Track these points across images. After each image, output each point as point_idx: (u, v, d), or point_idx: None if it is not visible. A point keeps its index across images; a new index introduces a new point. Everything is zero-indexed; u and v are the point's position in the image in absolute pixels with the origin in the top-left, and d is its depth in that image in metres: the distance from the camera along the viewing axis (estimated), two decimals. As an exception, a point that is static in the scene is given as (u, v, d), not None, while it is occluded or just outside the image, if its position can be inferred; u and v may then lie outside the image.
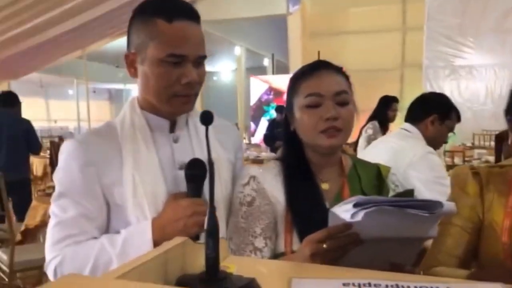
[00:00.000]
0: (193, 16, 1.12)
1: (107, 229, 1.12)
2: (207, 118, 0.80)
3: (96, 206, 1.10)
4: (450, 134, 2.39)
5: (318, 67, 1.20)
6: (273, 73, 11.65)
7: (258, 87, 10.86)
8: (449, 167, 4.79)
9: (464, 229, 1.20)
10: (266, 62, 13.11)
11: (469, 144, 7.71)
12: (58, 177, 1.12)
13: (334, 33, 9.51)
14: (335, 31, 9.53)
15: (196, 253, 0.75)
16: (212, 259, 0.67)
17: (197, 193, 1.10)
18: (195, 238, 1.05)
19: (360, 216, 0.85)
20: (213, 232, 0.67)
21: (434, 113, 2.31)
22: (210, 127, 0.79)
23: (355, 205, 0.87)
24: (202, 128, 1.18)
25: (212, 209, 0.69)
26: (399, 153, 2.26)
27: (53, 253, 1.07)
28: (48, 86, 18.04)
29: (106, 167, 1.10)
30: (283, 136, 1.29)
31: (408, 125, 2.38)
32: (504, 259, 1.10)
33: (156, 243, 1.03)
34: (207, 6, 9.97)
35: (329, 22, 9.50)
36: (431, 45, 8.71)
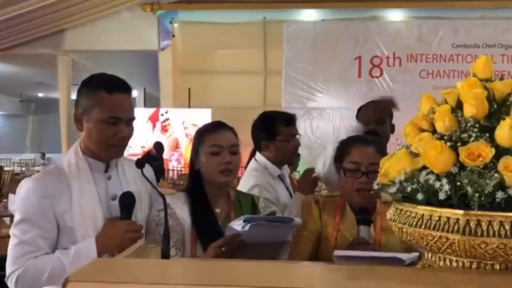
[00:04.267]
0: (127, 89, 1.58)
1: (56, 246, 1.48)
2: (140, 164, 1.28)
3: (50, 229, 1.46)
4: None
5: (219, 126, 1.74)
6: (144, 106, 11.90)
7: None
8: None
9: (310, 239, 1.80)
10: (135, 93, 13.34)
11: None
12: (18, 206, 1.46)
13: (203, 72, 10.12)
14: (204, 69, 10.14)
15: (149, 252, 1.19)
16: (166, 253, 1.13)
17: (128, 216, 1.53)
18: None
19: (247, 228, 1.38)
20: (167, 235, 1.14)
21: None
22: (133, 166, 1.25)
23: (244, 221, 1.40)
24: (127, 168, 1.63)
25: (166, 218, 1.15)
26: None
27: (16, 266, 1.40)
28: None
29: (58, 199, 1.48)
30: (188, 174, 1.78)
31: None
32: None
33: (99, 254, 1.43)
34: (77, 36, 9.99)
35: (198, 61, 10.10)
36: (288, 88, 9.79)
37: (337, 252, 1.39)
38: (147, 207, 1.69)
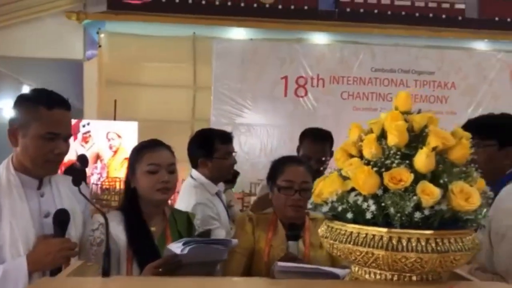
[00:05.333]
0: (66, 106, 1.57)
1: None
2: (77, 181, 1.29)
3: None
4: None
5: (156, 144, 1.76)
6: (66, 117, 11.39)
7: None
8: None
9: (243, 255, 1.87)
10: (57, 103, 12.79)
11: (247, 191, 8.96)
12: None
13: (130, 84, 9.91)
14: (131, 82, 9.94)
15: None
16: (107, 270, 1.14)
17: (62, 234, 1.51)
18: (57, 270, 1.45)
19: (186, 251, 1.43)
20: (108, 253, 1.15)
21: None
22: (68, 183, 1.26)
23: (183, 244, 1.45)
24: (61, 185, 1.62)
25: (107, 235, 1.17)
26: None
27: None
28: None
29: None
30: (124, 192, 1.78)
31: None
32: (265, 270, 1.80)
33: (30, 273, 1.40)
34: (-4, 42, 9.40)
35: (126, 72, 9.89)
36: (217, 104, 9.88)
37: (279, 264, 1.47)
38: (81, 225, 1.67)
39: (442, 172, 1.06)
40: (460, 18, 9.65)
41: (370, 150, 1.10)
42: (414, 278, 1.11)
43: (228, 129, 9.82)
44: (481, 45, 10.05)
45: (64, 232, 1.51)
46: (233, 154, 2.47)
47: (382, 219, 1.07)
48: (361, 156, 1.15)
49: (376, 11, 9.68)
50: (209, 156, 2.37)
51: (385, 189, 1.06)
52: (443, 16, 9.64)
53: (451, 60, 9.88)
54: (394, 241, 1.05)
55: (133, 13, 9.42)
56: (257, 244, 1.87)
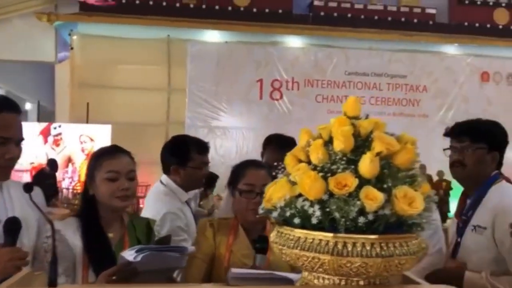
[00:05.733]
0: (17, 110, 1.53)
1: None
2: (28, 188, 1.26)
3: None
4: None
5: (116, 151, 1.73)
6: (38, 120, 11.17)
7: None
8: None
9: (203, 261, 1.85)
10: (29, 106, 12.50)
11: (222, 195, 8.93)
12: None
13: (103, 86, 9.76)
14: (104, 84, 9.80)
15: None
16: (53, 280, 1.11)
17: (13, 243, 1.47)
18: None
19: (139, 258, 1.41)
20: (54, 262, 1.12)
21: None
22: (21, 189, 1.25)
23: (137, 251, 1.42)
24: (13, 191, 1.58)
25: (54, 244, 1.14)
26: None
27: None
28: None
29: None
30: (82, 199, 1.75)
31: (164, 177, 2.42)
32: (226, 276, 1.78)
33: None
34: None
35: (98, 75, 9.75)
36: (192, 106, 9.84)
37: (233, 271, 1.46)
38: (34, 233, 1.63)
39: (387, 177, 1.07)
40: (431, 22, 9.86)
41: (317, 155, 1.11)
42: (361, 282, 1.12)
43: (203, 132, 9.77)
44: (451, 49, 10.28)
45: (14, 240, 1.46)
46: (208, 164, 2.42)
47: (329, 224, 1.07)
48: (309, 162, 1.15)
49: (349, 15, 9.81)
50: (183, 165, 2.31)
51: (331, 194, 1.07)
52: (415, 20, 9.84)
53: (422, 63, 10.08)
54: (340, 246, 1.05)
55: (106, 14, 9.33)
56: (218, 250, 1.86)
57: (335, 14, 9.78)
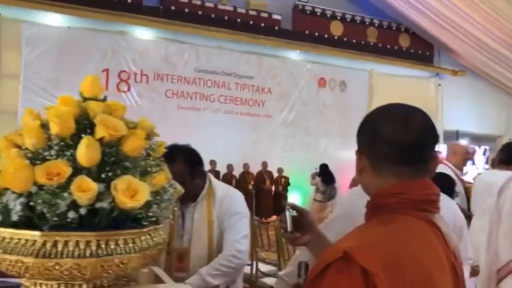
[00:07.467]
0: None
1: None
2: None
3: None
4: None
5: None
6: None
7: None
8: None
9: None
10: None
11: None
12: None
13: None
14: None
15: None
16: None
17: None
18: None
19: None
20: None
21: None
22: None
23: None
24: None
25: None
26: None
27: None
28: None
29: None
30: None
31: None
32: None
33: None
34: None
35: None
36: (27, 94, 8.90)
37: None
38: None
39: (110, 165, 0.94)
40: (276, 28, 10.29)
41: (30, 139, 0.93)
42: (84, 286, 0.98)
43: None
44: (293, 55, 10.87)
45: None
46: None
47: (38, 220, 0.91)
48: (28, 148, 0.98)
49: (200, 12, 9.76)
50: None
51: (41, 187, 0.91)
52: (262, 24, 10.17)
53: (268, 66, 10.50)
54: (48, 246, 0.90)
55: None
56: None
57: (186, 10, 9.65)
